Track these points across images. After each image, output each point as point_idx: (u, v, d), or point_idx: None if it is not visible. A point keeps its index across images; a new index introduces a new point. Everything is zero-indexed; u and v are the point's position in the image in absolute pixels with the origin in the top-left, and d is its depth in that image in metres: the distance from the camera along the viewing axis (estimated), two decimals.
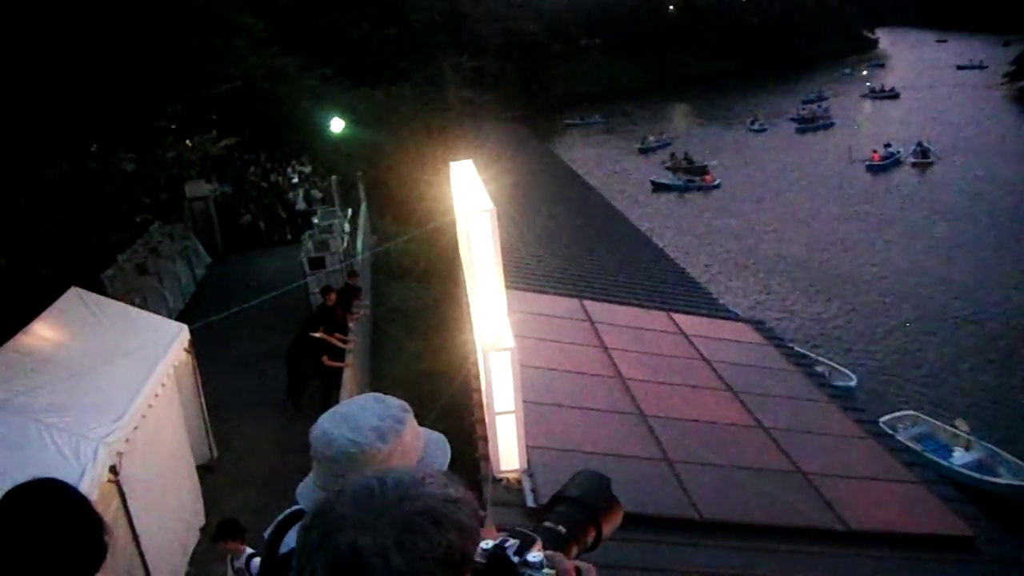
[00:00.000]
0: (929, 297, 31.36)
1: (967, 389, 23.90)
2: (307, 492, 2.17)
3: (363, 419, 2.12)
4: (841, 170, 54.80)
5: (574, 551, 1.83)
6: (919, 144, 55.36)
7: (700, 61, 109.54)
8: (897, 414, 20.99)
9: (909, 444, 19.20)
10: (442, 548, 1.32)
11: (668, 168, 56.17)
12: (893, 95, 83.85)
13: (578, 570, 1.67)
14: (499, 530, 1.73)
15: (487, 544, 1.61)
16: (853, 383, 22.50)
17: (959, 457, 18.94)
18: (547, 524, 1.84)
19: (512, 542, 1.64)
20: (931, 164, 53.74)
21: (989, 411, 22.35)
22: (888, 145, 55.97)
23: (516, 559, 1.60)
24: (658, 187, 53.44)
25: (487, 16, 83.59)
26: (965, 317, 29.11)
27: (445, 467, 2.16)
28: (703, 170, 54.84)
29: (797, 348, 23.79)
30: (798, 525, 8.05)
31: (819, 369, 22.41)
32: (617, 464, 8.32)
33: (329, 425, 2.14)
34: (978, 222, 41.38)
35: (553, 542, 1.77)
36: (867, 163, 54.46)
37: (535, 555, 1.60)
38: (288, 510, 2.30)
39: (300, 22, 30.48)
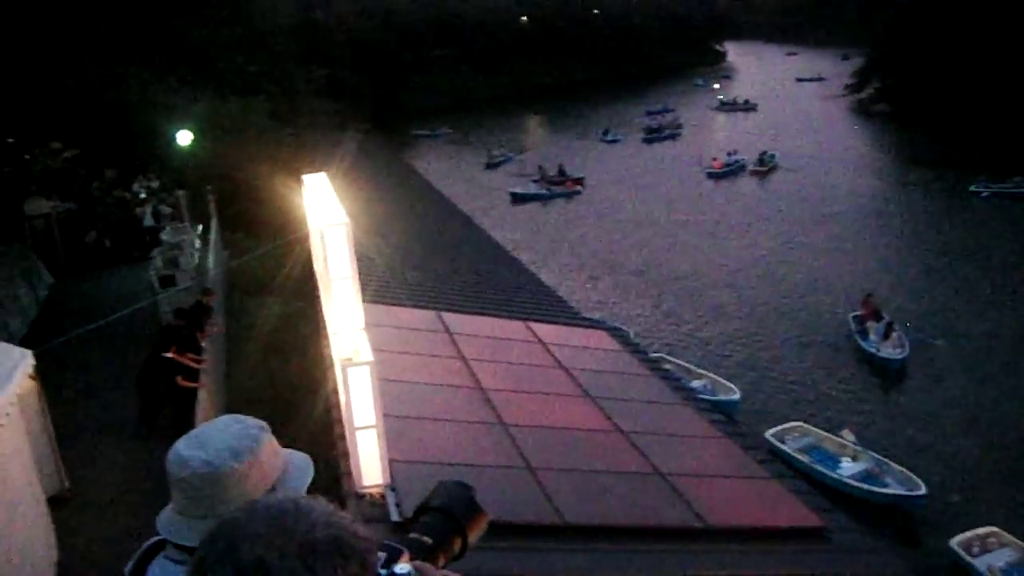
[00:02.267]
0: (787, 301, 32.73)
1: (845, 396, 24.75)
2: (166, 519, 2.13)
3: (217, 439, 2.10)
4: (688, 178, 56.89)
5: (441, 560, 1.86)
6: (763, 153, 58.00)
7: (552, 72, 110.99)
8: (785, 425, 21.27)
9: (796, 455, 19.64)
10: None
11: (535, 180, 56.39)
12: (750, 107, 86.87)
13: None
14: None
15: None
16: (737, 396, 22.69)
17: (847, 468, 19.19)
18: (413, 535, 1.88)
19: (379, 555, 1.64)
20: (770, 171, 56.30)
21: (859, 414, 23.06)
22: (732, 153, 58.46)
23: (383, 572, 1.62)
24: (517, 198, 53.75)
25: (339, 26, 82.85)
26: (813, 320, 30.47)
27: (305, 488, 2.15)
28: (579, 181, 55.71)
29: (681, 362, 24.46)
30: (658, 525, 8.23)
31: (702, 383, 22.85)
32: (479, 474, 8.36)
33: (183, 447, 2.11)
34: (815, 226, 43.61)
35: (420, 552, 1.80)
36: (708, 171, 56.75)
37: (402, 567, 1.63)
38: (148, 542, 2.25)
39: (144, 28, 29.65)
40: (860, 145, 67.37)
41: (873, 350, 26.21)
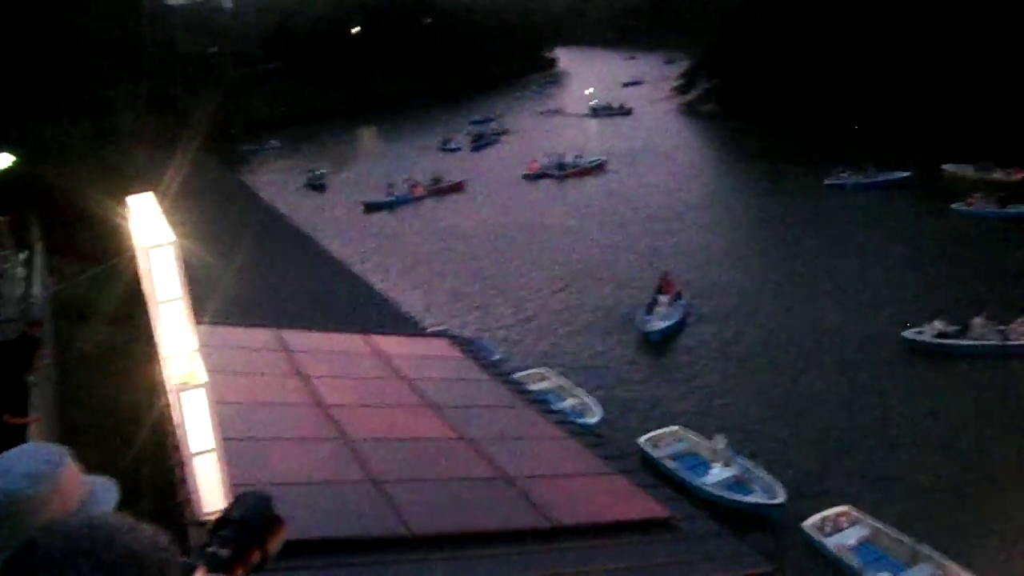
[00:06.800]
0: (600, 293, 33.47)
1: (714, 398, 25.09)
2: None
3: (15, 466, 2.07)
4: (512, 181, 59.28)
5: (239, 573, 1.86)
6: (577, 155, 60.79)
7: (386, 83, 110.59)
8: (661, 431, 21.18)
9: (665, 462, 19.66)
10: None
11: (390, 185, 57.08)
12: (624, 112, 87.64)
13: None
14: None
15: None
16: (595, 420, 21.61)
17: (714, 475, 19.12)
18: (210, 549, 1.87)
19: None
20: (588, 172, 58.83)
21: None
22: (560, 155, 60.50)
23: None
24: (370, 207, 54.70)
25: (167, 41, 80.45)
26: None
27: (109, 510, 2.13)
28: (458, 185, 57.99)
29: (557, 379, 24.33)
30: (507, 528, 8.30)
31: (573, 402, 22.45)
32: (325, 491, 8.27)
33: None
34: (632, 221, 45.61)
35: (217, 566, 1.80)
36: (526, 173, 59.65)
37: None
38: None
39: None
40: (699, 144, 70.08)
41: (645, 324, 28.60)
